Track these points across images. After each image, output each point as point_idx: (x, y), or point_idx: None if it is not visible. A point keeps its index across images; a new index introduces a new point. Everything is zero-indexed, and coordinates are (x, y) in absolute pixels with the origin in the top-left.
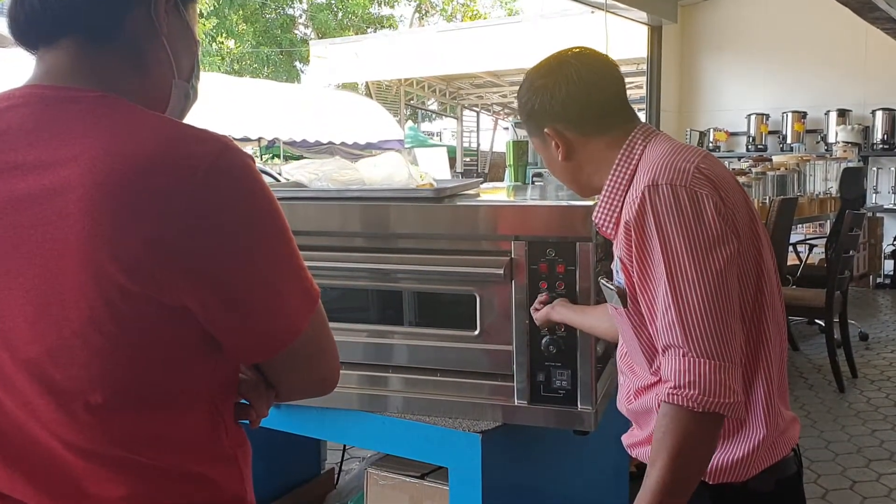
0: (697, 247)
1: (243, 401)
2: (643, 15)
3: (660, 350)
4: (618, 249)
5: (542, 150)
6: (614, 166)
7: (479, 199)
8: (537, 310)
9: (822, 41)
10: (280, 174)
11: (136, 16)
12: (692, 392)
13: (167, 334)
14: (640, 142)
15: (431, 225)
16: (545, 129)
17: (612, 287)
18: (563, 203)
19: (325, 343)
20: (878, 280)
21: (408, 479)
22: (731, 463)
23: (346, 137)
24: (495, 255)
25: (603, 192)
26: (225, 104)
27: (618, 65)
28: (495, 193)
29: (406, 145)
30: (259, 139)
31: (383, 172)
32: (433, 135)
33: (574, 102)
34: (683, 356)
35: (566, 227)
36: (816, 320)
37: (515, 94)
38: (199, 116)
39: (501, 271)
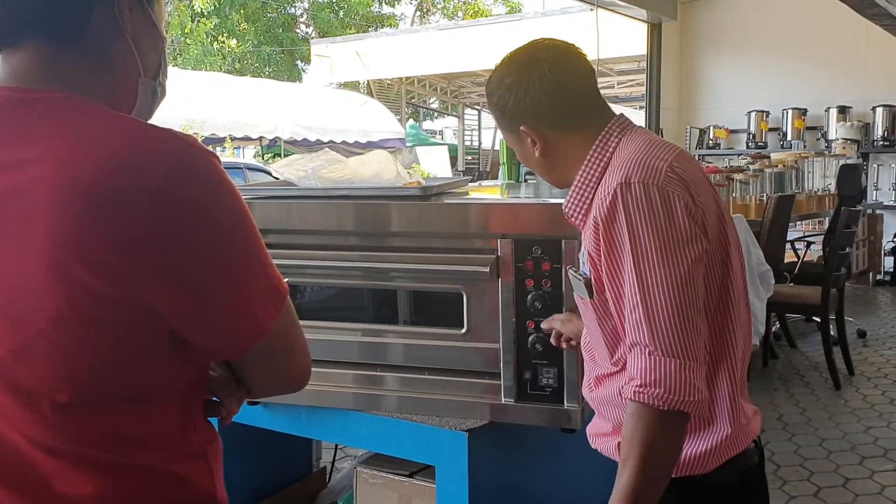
0: (667, 246)
1: (214, 398)
2: (643, 12)
3: (627, 347)
4: (586, 241)
5: (516, 146)
6: (587, 158)
7: (465, 197)
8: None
9: (821, 38)
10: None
11: (100, 15)
12: (657, 391)
13: (134, 333)
14: (615, 135)
15: (418, 223)
16: (521, 128)
17: (578, 277)
18: (549, 201)
19: (295, 341)
20: (878, 277)
21: (397, 478)
22: (693, 457)
23: (348, 136)
24: (482, 254)
25: (574, 183)
26: (226, 103)
27: (586, 55)
28: (485, 192)
29: (408, 144)
30: (260, 138)
31: (371, 170)
32: (435, 133)
33: (549, 99)
34: (649, 355)
35: (552, 225)
36: (814, 317)
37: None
38: (200, 115)
39: (487, 269)
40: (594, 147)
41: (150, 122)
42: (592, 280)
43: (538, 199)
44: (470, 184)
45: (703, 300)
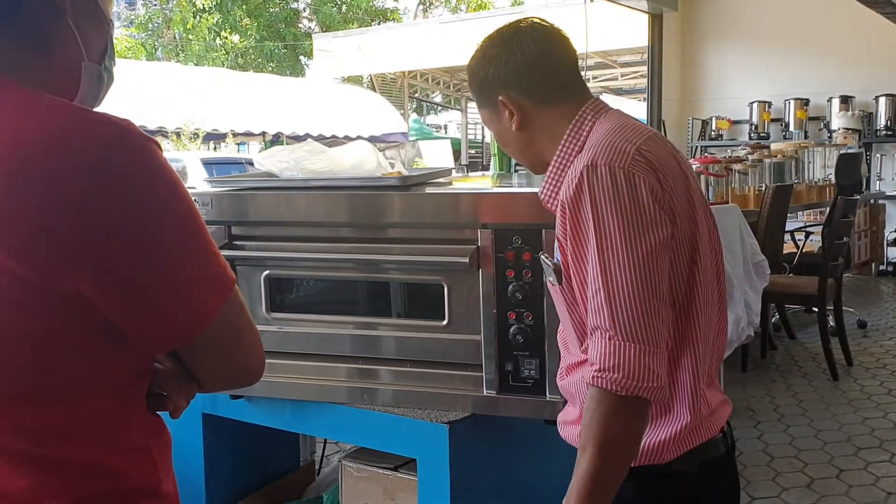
0: (630, 229)
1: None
2: (643, 3)
3: (588, 331)
4: (556, 226)
5: (492, 123)
6: (562, 141)
7: (446, 187)
8: None
9: (824, 28)
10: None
11: None
12: (616, 375)
13: (64, 322)
14: (589, 117)
15: (397, 214)
16: (499, 98)
17: (550, 263)
18: (529, 190)
19: (244, 332)
20: (881, 268)
21: (381, 472)
22: (653, 446)
23: (350, 131)
24: (462, 244)
25: (550, 168)
26: (228, 99)
27: (570, 38)
28: (472, 181)
29: (411, 138)
30: (262, 134)
31: (352, 161)
32: (438, 127)
33: (529, 69)
34: (610, 339)
35: (532, 214)
36: (814, 308)
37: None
38: (204, 111)
39: (467, 260)
40: (569, 129)
41: (96, 108)
42: (562, 265)
43: (518, 188)
44: (457, 174)
45: (669, 286)
